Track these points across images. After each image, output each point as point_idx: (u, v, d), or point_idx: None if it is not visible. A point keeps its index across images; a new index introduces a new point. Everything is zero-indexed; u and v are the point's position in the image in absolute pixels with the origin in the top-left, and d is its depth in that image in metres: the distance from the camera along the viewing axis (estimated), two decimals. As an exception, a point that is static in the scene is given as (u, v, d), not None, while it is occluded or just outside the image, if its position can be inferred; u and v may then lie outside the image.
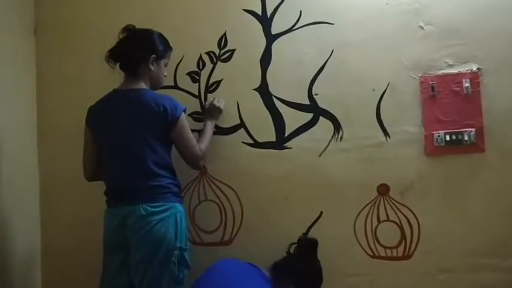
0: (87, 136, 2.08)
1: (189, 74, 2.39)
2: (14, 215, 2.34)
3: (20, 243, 2.37)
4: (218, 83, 2.37)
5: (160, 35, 2.10)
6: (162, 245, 1.89)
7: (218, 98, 2.31)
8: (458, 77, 2.15)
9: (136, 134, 1.96)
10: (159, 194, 1.94)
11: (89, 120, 2.08)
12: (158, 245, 1.89)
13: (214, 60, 2.38)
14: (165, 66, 2.13)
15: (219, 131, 2.35)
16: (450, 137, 2.14)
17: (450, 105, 2.16)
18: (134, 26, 2.09)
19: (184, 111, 2.04)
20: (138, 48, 2.03)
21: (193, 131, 2.28)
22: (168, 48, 2.12)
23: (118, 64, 2.06)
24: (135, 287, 1.92)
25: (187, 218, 2.26)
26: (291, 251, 2.16)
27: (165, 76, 2.14)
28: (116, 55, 2.05)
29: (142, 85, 2.03)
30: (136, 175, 1.95)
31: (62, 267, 2.48)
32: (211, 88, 2.37)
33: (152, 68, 2.04)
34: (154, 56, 2.04)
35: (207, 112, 2.30)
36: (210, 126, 2.24)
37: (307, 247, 2.12)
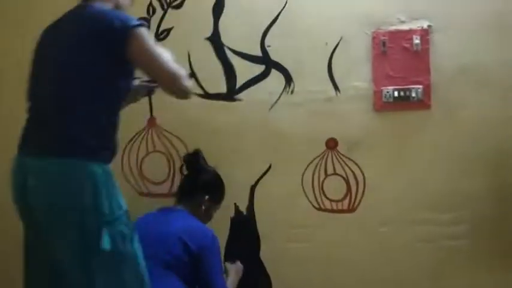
0: None
1: (138, 20, 2.29)
2: None
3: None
4: (168, 30, 2.30)
5: None
6: (66, 212, 1.45)
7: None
8: (409, 33, 2.16)
9: (68, 56, 1.49)
10: (73, 147, 1.47)
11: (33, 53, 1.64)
12: (63, 212, 1.45)
13: (165, 6, 2.30)
14: None
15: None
16: (398, 93, 2.16)
17: (400, 62, 2.17)
18: None
19: (144, 26, 1.53)
20: None
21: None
22: None
23: None
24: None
25: (129, 170, 2.27)
26: (184, 171, 2.21)
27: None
28: None
29: (96, 2, 1.57)
30: (53, 114, 1.49)
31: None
32: (162, 36, 2.30)
33: None
34: None
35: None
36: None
37: (196, 160, 2.14)
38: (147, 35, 1.52)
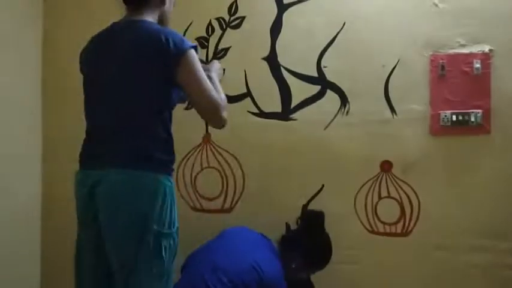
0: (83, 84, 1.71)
1: (197, 39, 2.36)
2: (16, 171, 2.35)
3: (21, 198, 2.39)
4: (226, 50, 2.35)
5: None
6: (133, 224, 1.50)
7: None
8: (469, 57, 2.13)
9: (129, 74, 1.54)
10: (142, 159, 1.53)
11: (82, 63, 1.71)
12: (129, 223, 1.50)
13: (224, 26, 2.35)
14: (173, 6, 1.77)
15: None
16: (457, 117, 2.13)
17: (459, 85, 2.14)
18: None
19: (196, 50, 1.58)
20: None
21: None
22: None
23: None
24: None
25: (183, 186, 2.32)
26: (298, 225, 2.17)
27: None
28: None
29: (146, 17, 1.62)
30: (119, 130, 1.55)
31: (62, 221, 2.48)
32: (220, 55, 2.35)
33: (166, 2, 1.68)
34: None
35: (207, 69, 1.76)
36: (217, 79, 1.75)
37: (313, 220, 2.11)
38: (196, 59, 1.56)
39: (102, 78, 1.59)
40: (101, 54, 1.62)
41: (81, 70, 1.71)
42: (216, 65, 1.86)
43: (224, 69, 2.00)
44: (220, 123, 1.60)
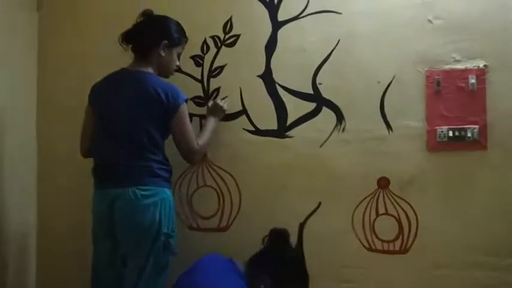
0: (87, 113, 2.07)
1: (192, 57, 2.37)
2: (10, 188, 2.33)
3: (15, 216, 2.37)
4: (222, 68, 2.35)
5: (177, 24, 2.09)
6: (149, 230, 1.88)
7: (223, 99, 2.29)
8: (464, 73, 2.13)
9: (134, 117, 1.94)
10: (149, 178, 1.93)
11: (92, 97, 2.06)
12: (145, 230, 1.88)
13: (219, 44, 2.35)
14: (178, 56, 2.12)
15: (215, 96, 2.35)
16: (453, 133, 2.12)
17: (455, 101, 2.14)
18: (152, 11, 2.08)
19: (186, 101, 2.02)
20: (151, 32, 2.03)
21: (194, 115, 2.31)
22: (182, 37, 2.11)
23: (130, 46, 2.05)
24: (124, 273, 1.93)
25: (179, 203, 2.31)
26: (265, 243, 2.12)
27: (177, 66, 2.14)
28: (129, 37, 2.04)
29: (150, 69, 2.02)
30: (128, 156, 1.93)
31: (57, 244, 2.48)
32: (215, 73, 2.35)
33: (163, 54, 2.03)
34: (166, 42, 2.03)
35: (209, 111, 2.25)
36: (212, 123, 2.20)
37: (276, 238, 2.07)
38: (185, 111, 2.01)
39: (112, 117, 1.98)
40: (112, 96, 1.99)
41: (90, 102, 2.07)
42: (214, 105, 2.24)
43: (226, 103, 2.28)
44: (191, 162, 2.12)
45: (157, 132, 1.96)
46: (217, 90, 2.35)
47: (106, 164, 1.99)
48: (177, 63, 2.12)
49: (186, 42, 2.14)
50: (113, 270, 1.96)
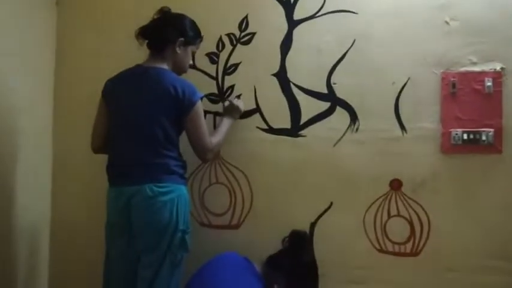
0: (101, 108, 2.07)
1: (208, 54, 2.37)
2: (26, 185, 2.34)
3: (29, 214, 2.38)
4: (236, 65, 2.35)
5: (193, 22, 2.10)
6: (166, 227, 1.88)
7: (238, 98, 2.30)
8: (480, 75, 2.11)
9: (150, 112, 1.94)
10: (165, 175, 1.93)
11: (106, 92, 2.06)
12: (163, 227, 1.88)
13: (234, 42, 2.36)
14: (193, 54, 2.13)
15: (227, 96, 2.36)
16: (468, 136, 2.10)
17: (470, 104, 2.12)
18: (169, 9, 2.09)
19: (201, 99, 2.02)
20: (167, 29, 2.04)
21: (208, 112, 2.32)
22: (197, 36, 2.12)
23: (146, 42, 2.06)
24: (138, 269, 1.92)
25: (191, 200, 2.28)
26: (284, 245, 2.14)
27: (191, 65, 2.14)
28: (145, 33, 2.05)
29: (165, 66, 2.02)
30: (144, 152, 1.94)
31: (70, 239, 2.49)
32: (230, 70, 2.36)
33: (178, 51, 2.04)
34: (182, 39, 2.03)
35: (225, 111, 2.27)
36: (226, 123, 2.20)
37: (297, 241, 2.08)
38: (201, 109, 2.00)
39: (128, 113, 1.98)
40: (127, 93, 2.00)
41: (104, 97, 2.06)
42: (230, 106, 2.25)
43: (241, 102, 2.30)
44: (204, 161, 2.12)
45: (172, 129, 1.96)
46: (232, 87, 2.35)
47: (122, 161, 1.99)
48: (191, 61, 2.13)
49: (201, 41, 2.16)
50: (127, 267, 1.96)
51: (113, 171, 2.02)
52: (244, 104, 2.29)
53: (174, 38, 2.02)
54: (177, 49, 2.03)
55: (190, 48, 2.09)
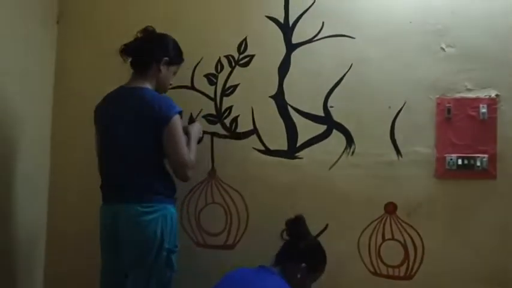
0: (96, 133, 2.12)
1: (206, 75, 2.40)
2: (23, 195, 2.35)
3: (26, 224, 2.39)
4: (235, 87, 2.38)
5: (176, 42, 2.12)
6: (150, 247, 1.89)
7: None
8: (475, 101, 2.14)
9: (133, 134, 1.96)
10: (149, 194, 1.94)
11: (95, 118, 2.11)
12: (146, 245, 1.90)
13: (233, 64, 2.38)
14: (174, 74, 2.14)
15: (232, 135, 2.36)
16: (462, 161, 2.13)
17: (465, 130, 2.15)
18: (154, 29, 2.11)
19: (180, 114, 1.99)
20: (152, 48, 2.06)
21: (205, 132, 2.33)
22: (180, 56, 2.14)
23: (129, 60, 2.07)
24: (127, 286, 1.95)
25: (187, 220, 2.33)
26: (285, 236, 2.12)
27: (171, 85, 2.15)
28: (129, 51, 2.06)
29: (147, 85, 2.03)
30: (128, 173, 1.96)
31: (66, 249, 2.48)
32: (228, 92, 2.38)
33: (162, 71, 2.05)
34: (166, 58, 2.05)
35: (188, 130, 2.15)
36: (194, 132, 2.13)
37: (297, 225, 2.06)
38: (178, 123, 1.96)
39: (111, 136, 2.02)
40: (110, 115, 2.04)
41: (95, 122, 2.11)
42: (195, 127, 2.17)
43: (203, 133, 2.28)
44: (183, 178, 2.01)
45: (156, 148, 1.96)
46: (230, 109, 2.37)
47: (110, 181, 2.04)
48: (171, 81, 2.13)
49: (182, 61, 2.16)
50: (117, 281, 1.99)
51: (103, 189, 2.07)
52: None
53: (158, 57, 2.04)
54: (161, 68, 2.05)
55: (172, 69, 2.10)
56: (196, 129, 2.15)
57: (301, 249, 2.00)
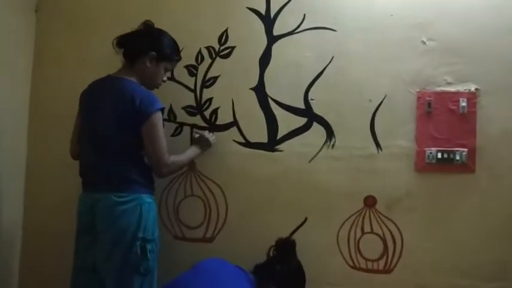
0: (77, 117, 2.12)
1: (186, 67, 2.37)
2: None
3: (1, 222, 2.34)
4: (215, 78, 2.35)
5: (172, 40, 2.11)
6: (124, 235, 1.88)
7: (210, 133, 2.29)
8: (456, 95, 2.14)
9: (111, 123, 1.95)
10: (125, 184, 1.94)
11: (80, 102, 2.11)
12: (121, 235, 1.88)
13: (214, 55, 2.36)
14: (166, 71, 2.12)
15: (212, 127, 2.33)
16: (442, 155, 2.12)
17: (445, 123, 2.15)
18: (152, 23, 2.11)
19: (162, 111, 1.98)
20: (142, 41, 2.05)
21: (185, 124, 2.32)
22: (174, 54, 2.12)
23: (122, 51, 2.07)
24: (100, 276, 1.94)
25: (166, 212, 2.31)
26: (271, 254, 2.13)
27: (164, 81, 2.13)
28: (122, 41, 2.06)
29: (133, 78, 2.02)
30: (105, 162, 1.97)
31: (42, 247, 2.45)
32: (208, 83, 2.35)
33: (148, 65, 2.03)
34: (153, 53, 2.03)
35: (195, 141, 2.26)
36: (193, 151, 2.20)
37: (285, 248, 2.09)
38: (159, 120, 1.95)
39: (92, 123, 2.02)
40: (92, 103, 2.04)
41: (79, 105, 2.11)
42: (203, 139, 2.24)
43: (213, 137, 2.29)
44: (158, 176, 2.04)
45: (134, 139, 1.95)
46: (210, 100, 2.35)
47: (87, 170, 2.04)
48: (164, 78, 2.12)
49: (178, 60, 2.16)
50: (90, 273, 1.97)
51: (82, 178, 2.07)
52: (215, 139, 2.28)
53: (145, 50, 2.02)
54: (147, 62, 2.03)
55: (163, 65, 2.08)
56: (203, 141, 2.24)
57: (278, 271, 2.01)
